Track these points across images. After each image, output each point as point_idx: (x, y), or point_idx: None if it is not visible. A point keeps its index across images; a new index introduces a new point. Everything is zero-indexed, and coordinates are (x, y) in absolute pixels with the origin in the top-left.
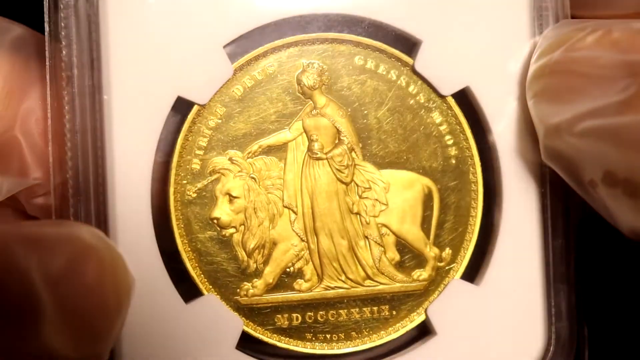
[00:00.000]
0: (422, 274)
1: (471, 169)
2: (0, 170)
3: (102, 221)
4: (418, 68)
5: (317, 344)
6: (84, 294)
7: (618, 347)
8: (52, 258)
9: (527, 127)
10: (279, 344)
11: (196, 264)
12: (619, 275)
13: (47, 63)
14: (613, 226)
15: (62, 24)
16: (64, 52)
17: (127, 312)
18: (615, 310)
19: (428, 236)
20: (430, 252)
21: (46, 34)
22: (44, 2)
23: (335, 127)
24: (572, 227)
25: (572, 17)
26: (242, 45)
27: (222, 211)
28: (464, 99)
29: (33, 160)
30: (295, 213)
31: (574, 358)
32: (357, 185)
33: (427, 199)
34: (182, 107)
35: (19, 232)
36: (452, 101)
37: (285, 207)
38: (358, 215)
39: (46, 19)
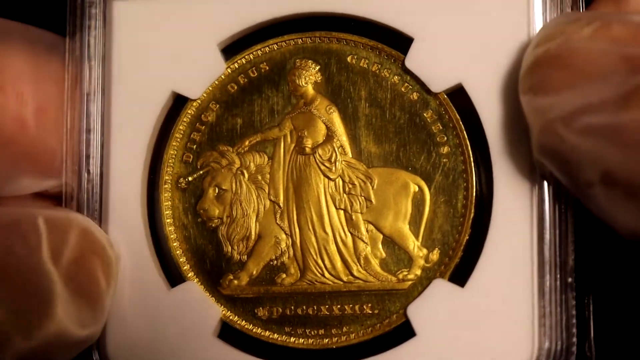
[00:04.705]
0: (407, 273)
1: (463, 167)
2: (20, 168)
3: (98, 209)
4: (409, 65)
5: (294, 338)
6: (84, 272)
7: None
8: (57, 237)
9: (521, 124)
10: (257, 336)
11: (182, 252)
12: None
13: (67, 62)
14: (609, 226)
15: (81, 23)
16: (78, 51)
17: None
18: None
19: (417, 236)
20: (418, 252)
21: (67, 35)
22: (76, 5)
23: (324, 123)
24: (568, 231)
25: None
26: (236, 44)
27: (210, 203)
28: (457, 95)
29: (50, 158)
30: (280, 207)
31: None
32: (344, 181)
33: (417, 198)
34: (176, 102)
35: (26, 213)
36: (445, 98)
37: (271, 201)
38: (343, 211)
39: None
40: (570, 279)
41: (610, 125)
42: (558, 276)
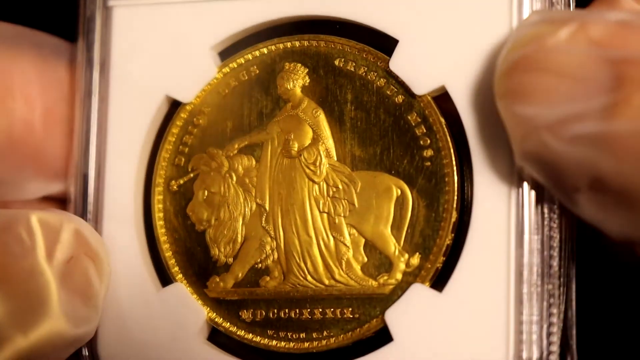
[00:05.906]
0: (388, 278)
1: (445, 170)
2: (27, 171)
3: (93, 211)
4: (393, 67)
5: (277, 341)
6: (78, 271)
7: None
8: (50, 238)
9: (503, 128)
10: (241, 339)
11: (172, 254)
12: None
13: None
14: (595, 232)
15: (82, 29)
16: (80, 56)
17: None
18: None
19: (398, 240)
20: (399, 256)
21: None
22: (80, 12)
23: (310, 126)
24: (552, 236)
25: None
26: (228, 47)
27: (198, 206)
28: (441, 98)
29: (56, 161)
30: (266, 210)
31: None
32: (328, 185)
33: (400, 202)
34: (169, 105)
35: (20, 213)
36: (429, 101)
37: (257, 203)
38: (326, 215)
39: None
40: (551, 286)
41: (600, 134)
42: (539, 283)
